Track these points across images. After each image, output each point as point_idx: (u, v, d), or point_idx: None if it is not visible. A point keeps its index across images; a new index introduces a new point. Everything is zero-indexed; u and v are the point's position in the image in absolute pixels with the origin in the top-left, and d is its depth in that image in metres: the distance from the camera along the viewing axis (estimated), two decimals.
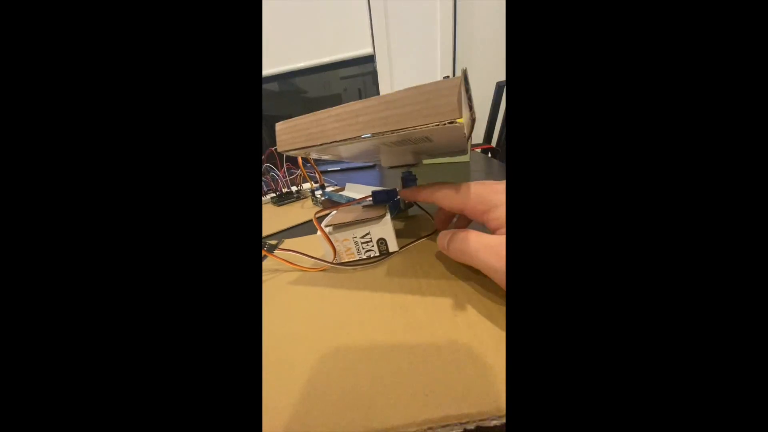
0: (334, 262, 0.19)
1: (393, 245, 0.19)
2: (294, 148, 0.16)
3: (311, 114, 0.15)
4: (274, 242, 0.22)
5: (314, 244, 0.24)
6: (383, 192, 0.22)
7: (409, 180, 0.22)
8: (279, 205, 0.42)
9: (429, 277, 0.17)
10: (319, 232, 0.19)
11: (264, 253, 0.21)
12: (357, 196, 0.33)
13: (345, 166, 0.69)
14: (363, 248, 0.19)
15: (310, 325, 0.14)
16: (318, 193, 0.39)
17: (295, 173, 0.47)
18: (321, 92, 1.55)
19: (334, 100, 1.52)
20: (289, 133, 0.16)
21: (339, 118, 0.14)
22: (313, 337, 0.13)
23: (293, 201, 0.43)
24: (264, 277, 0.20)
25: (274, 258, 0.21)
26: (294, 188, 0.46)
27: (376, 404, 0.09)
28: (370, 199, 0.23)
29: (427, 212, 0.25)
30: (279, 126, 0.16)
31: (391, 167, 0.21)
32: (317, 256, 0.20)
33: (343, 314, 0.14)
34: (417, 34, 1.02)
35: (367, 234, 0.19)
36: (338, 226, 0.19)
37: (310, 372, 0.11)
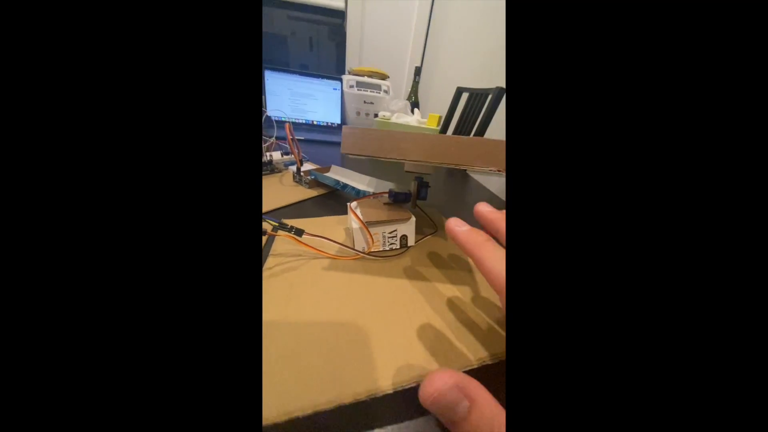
0: (365, 252, 0.22)
1: (412, 240, 0.24)
2: (359, 154, 0.18)
3: (382, 130, 0.17)
4: (291, 225, 0.22)
5: (324, 229, 0.26)
6: (402, 194, 0.26)
7: (422, 186, 0.27)
8: None
9: (446, 268, 0.22)
10: (357, 224, 0.22)
11: (291, 237, 0.22)
12: (343, 180, 0.34)
13: (308, 136, 0.65)
14: (388, 241, 0.23)
15: (371, 306, 0.18)
16: (303, 171, 0.38)
17: (267, 141, 0.43)
18: (263, 28, 1.28)
19: (279, 41, 1.29)
20: (358, 140, 0.18)
21: (415, 142, 0.17)
22: (375, 313, 0.17)
23: (267, 174, 0.40)
24: (295, 264, 0.21)
25: (302, 244, 0.22)
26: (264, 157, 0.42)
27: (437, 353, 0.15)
28: (385, 194, 0.26)
29: (427, 215, 0.30)
30: (347, 130, 0.18)
31: (409, 172, 0.25)
32: (342, 243, 0.23)
33: (394, 296, 0.19)
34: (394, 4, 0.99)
35: (394, 231, 0.23)
36: (373, 223, 0.22)
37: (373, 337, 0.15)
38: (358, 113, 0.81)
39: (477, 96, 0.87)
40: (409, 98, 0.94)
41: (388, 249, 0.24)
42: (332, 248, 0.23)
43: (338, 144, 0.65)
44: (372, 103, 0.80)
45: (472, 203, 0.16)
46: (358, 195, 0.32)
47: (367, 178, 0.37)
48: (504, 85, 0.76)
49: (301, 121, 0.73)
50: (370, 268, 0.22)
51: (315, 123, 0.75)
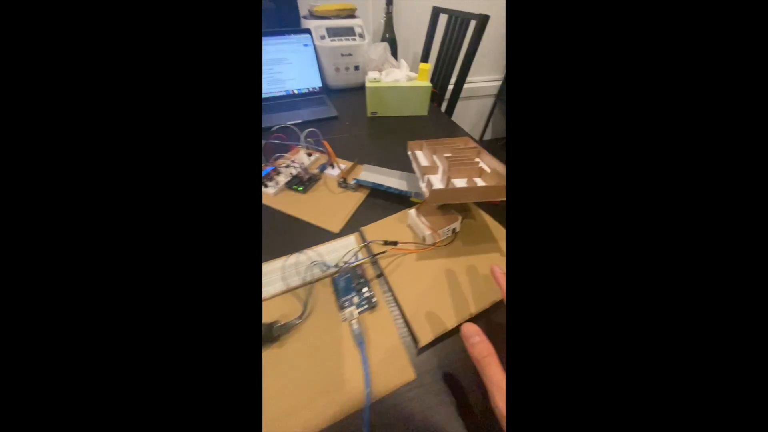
0: (435, 245, 0.37)
1: (458, 228, 0.38)
2: (449, 202, 0.30)
3: (460, 189, 0.28)
4: (392, 240, 0.35)
5: (393, 230, 0.38)
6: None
7: None
8: (306, 193, 0.44)
9: (479, 242, 0.38)
10: (428, 231, 0.35)
11: (390, 249, 0.34)
12: (384, 183, 0.44)
13: (304, 117, 0.63)
14: (445, 234, 0.37)
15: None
16: (347, 180, 0.45)
17: (291, 148, 0.46)
18: None
19: None
20: (446, 195, 0.29)
21: (481, 193, 0.29)
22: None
23: (314, 183, 0.46)
24: (399, 260, 0.35)
25: (397, 250, 0.35)
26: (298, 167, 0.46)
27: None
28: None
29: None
30: (434, 193, 0.28)
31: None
32: (419, 242, 0.36)
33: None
34: None
35: (449, 228, 0.37)
36: (443, 231, 0.35)
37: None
38: (338, 69, 0.76)
39: (458, 21, 0.81)
40: (383, 38, 0.86)
41: (444, 238, 0.38)
42: (413, 245, 0.36)
43: (334, 119, 0.66)
44: (350, 54, 0.74)
45: None
46: (401, 193, 0.43)
47: (398, 173, 0.46)
48: (486, 12, 0.72)
49: (281, 94, 0.68)
50: (438, 253, 0.36)
51: (296, 92, 0.70)
